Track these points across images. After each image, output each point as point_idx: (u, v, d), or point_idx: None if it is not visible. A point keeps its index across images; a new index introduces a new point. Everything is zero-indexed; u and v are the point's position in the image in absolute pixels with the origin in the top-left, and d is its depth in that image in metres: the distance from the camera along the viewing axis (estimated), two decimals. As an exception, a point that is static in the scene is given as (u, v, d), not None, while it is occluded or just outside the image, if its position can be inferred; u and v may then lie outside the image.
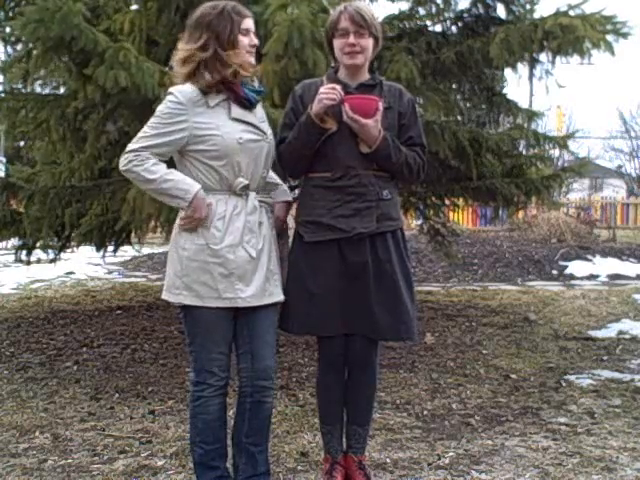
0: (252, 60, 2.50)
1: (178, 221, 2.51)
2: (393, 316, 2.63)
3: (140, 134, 2.44)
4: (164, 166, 2.43)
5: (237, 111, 2.48)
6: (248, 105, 2.51)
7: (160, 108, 2.45)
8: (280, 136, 2.69)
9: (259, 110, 2.60)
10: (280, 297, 2.58)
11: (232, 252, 2.42)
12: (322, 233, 2.63)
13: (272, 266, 2.54)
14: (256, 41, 2.50)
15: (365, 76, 2.69)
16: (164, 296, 2.54)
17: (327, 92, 2.52)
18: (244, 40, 2.45)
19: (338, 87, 2.55)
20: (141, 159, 2.40)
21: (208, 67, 2.43)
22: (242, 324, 2.52)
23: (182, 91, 2.43)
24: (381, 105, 2.55)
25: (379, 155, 2.59)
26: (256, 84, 2.60)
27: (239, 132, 2.45)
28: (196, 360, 2.51)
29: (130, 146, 2.43)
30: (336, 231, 2.61)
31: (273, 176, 2.74)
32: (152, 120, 2.45)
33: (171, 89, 2.47)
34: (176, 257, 2.48)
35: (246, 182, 2.47)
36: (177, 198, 2.40)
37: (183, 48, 2.46)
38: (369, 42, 2.61)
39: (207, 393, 2.49)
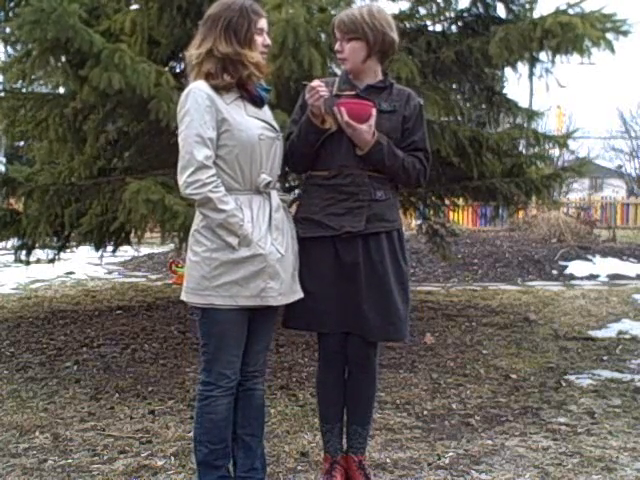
0: (264, 60, 2.48)
1: (196, 222, 2.46)
2: (383, 317, 2.64)
3: (187, 144, 2.32)
4: (232, 199, 2.37)
5: (251, 109, 2.47)
6: (259, 103, 2.51)
7: (186, 108, 2.34)
8: (288, 131, 2.71)
9: (267, 109, 2.59)
10: (301, 294, 2.59)
11: (262, 250, 2.39)
12: (313, 230, 2.64)
13: (296, 263, 2.56)
14: (269, 41, 2.50)
15: (376, 78, 2.69)
16: (188, 299, 2.44)
17: (309, 91, 2.52)
18: (258, 39, 2.44)
19: (316, 82, 2.53)
20: (216, 184, 2.32)
21: (227, 66, 2.39)
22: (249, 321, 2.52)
23: (199, 86, 2.37)
24: (374, 110, 2.56)
25: (372, 158, 2.61)
26: (263, 83, 2.59)
27: (259, 128, 2.45)
28: (209, 361, 2.48)
29: (190, 160, 2.31)
30: (326, 229, 2.62)
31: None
32: (186, 124, 2.33)
33: (188, 88, 2.39)
34: (200, 259, 2.40)
35: (269, 179, 2.46)
36: (233, 235, 2.35)
37: (200, 45, 2.39)
38: (355, 46, 2.60)
39: (216, 393, 2.47)
